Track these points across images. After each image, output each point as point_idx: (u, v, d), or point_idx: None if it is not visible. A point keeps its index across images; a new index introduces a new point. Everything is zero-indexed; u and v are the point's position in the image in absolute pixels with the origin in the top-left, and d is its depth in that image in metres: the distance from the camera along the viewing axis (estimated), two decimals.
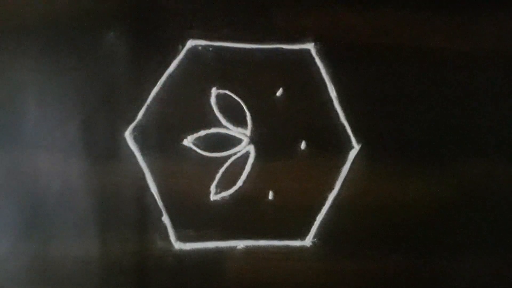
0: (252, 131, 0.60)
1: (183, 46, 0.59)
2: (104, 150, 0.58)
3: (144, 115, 0.58)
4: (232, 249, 0.59)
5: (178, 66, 0.59)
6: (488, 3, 0.62)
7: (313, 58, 0.60)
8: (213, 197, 0.59)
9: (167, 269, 0.58)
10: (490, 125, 0.62)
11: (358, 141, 0.61)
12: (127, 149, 0.58)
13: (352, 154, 0.61)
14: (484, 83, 0.62)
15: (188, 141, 0.59)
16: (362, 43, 0.61)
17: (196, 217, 0.59)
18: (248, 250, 0.59)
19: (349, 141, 0.61)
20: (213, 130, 0.59)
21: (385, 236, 0.62)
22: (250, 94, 0.60)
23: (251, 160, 0.60)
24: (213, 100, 0.59)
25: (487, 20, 0.62)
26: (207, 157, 0.59)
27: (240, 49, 0.60)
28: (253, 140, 0.60)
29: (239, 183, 0.60)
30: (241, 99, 0.60)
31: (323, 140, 0.60)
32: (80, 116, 0.58)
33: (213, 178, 0.59)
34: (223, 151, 0.59)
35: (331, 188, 0.60)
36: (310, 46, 0.60)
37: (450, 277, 0.62)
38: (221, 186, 0.59)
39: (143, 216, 0.58)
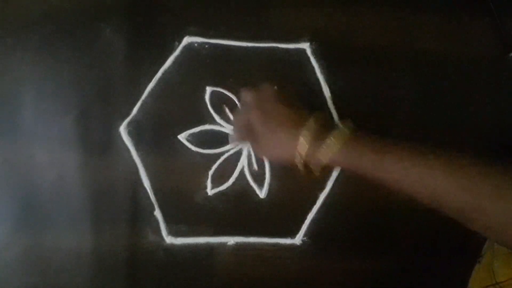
0: None
1: (180, 42, 0.59)
2: (99, 144, 0.58)
3: (139, 110, 0.59)
4: (223, 245, 0.60)
5: (174, 62, 0.59)
6: (482, 7, 0.62)
7: (308, 58, 0.61)
8: (205, 193, 0.60)
9: (157, 263, 0.59)
10: (486, 125, 0.62)
11: None
12: (122, 144, 0.59)
13: None
14: (478, 86, 0.62)
15: (182, 137, 0.59)
16: (357, 44, 0.61)
17: (187, 213, 0.60)
18: (238, 247, 0.60)
19: None
20: (207, 127, 0.60)
21: (375, 236, 0.62)
22: None
23: (243, 157, 0.60)
24: (207, 97, 0.60)
25: (481, 23, 0.62)
26: (200, 153, 0.60)
27: (236, 47, 0.60)
28: None
29: (231, 180, 0.60)
30: (236, 97, 0.60)
31: None
32: (75, 110, 0.58)
33: (206, 175, 0.60)
34: (216, 148, 0.60)
35: (322, 188, 0.61)
36: (305, 46, 0.61)
37: (441, 278, 0.62)
38: (214, 183, 0.60)
39: (136, 210, 0.59)
